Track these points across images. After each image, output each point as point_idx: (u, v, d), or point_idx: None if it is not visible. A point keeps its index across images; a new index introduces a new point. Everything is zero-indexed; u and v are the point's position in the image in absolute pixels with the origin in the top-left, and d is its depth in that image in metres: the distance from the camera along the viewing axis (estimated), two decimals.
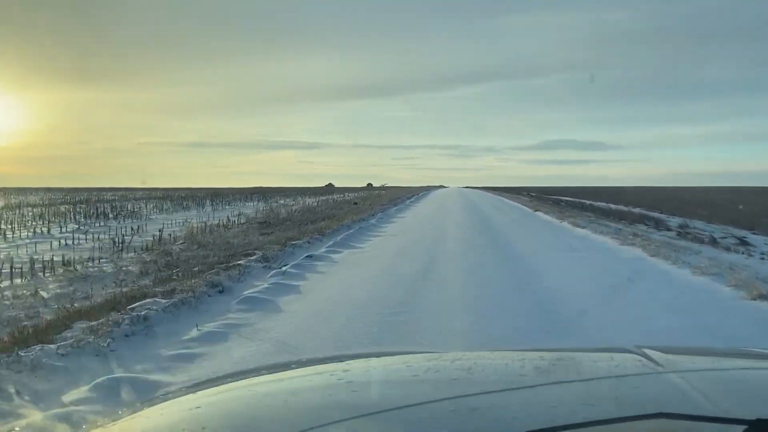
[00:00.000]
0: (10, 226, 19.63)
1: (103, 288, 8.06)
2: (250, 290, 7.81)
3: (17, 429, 3.30)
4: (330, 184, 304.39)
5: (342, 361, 1.50)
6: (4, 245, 14.83)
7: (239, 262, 9.78)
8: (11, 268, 9.50)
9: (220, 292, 7.72)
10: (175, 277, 8.55)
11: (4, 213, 25.60)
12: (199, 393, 1.30)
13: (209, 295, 7.44)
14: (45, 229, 19.04)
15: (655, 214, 24.96)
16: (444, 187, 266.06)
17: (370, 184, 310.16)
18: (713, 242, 14.15)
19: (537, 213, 26.44)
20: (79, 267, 10.22)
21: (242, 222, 19.22)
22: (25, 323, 6.03)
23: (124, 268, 9.97)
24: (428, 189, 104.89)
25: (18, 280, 9.13)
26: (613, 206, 31.10)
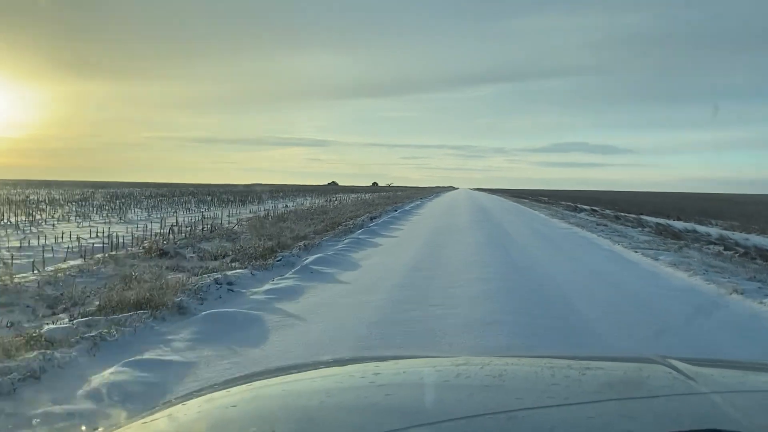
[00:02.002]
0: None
1: None
2: None
3: None
4: (333, 183, 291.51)
5: (371, 363, 1.51)
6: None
7: None
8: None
9: None
10: None
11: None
12: (233, 390, 1.29)
13: None
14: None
15: None
16: (454, 188, 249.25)
17: (375, 183, 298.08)
18: None
19: None
20: None
21: None
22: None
23: None
24: (431, 194, 73.37)
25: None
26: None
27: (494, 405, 1.09)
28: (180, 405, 1.21)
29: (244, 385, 1.33)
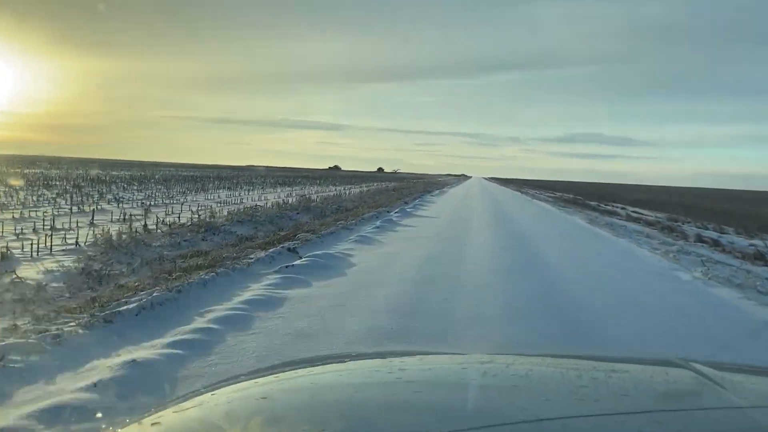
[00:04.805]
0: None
1: None
2: None
3: None
4: (336, 167, 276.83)
5: (396, 358, 1.54)
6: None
7: None
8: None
9: None
10: None
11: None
12: (261, 381, 1.31)
13: None
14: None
15: None
16: (467, 177, 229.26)
17: (380, 169, 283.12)
18: None
19: None
20: None
21: None
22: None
23: None
24: (427, 191, 42.55)
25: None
26: None
27: (525, 406, 1.09)
28: (209, 394, 1.21)
29: (271, 377, 1.34)
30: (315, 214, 21.27)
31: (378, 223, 15.49)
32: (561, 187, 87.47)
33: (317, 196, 29.83)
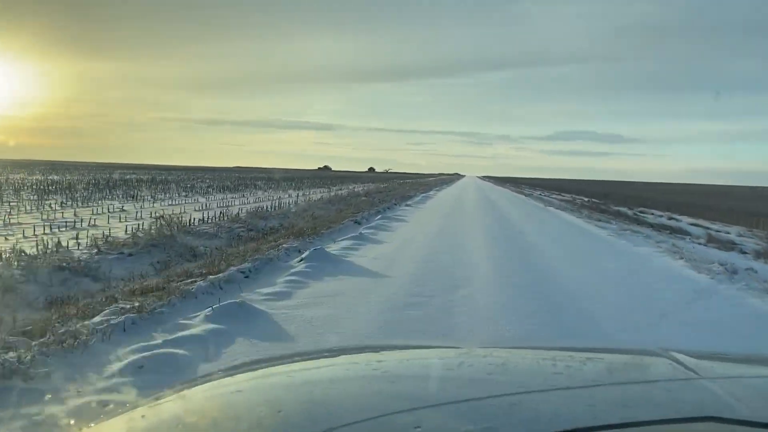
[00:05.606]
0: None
1: None
2: None
3: None
4: (326, 167, 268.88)
5: (375, 352, 1.51)
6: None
7: None
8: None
9: None
10: None
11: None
12: (238, 377, 1.31)
13: None
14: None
15: None
16: (460, 176, 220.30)
17: (371, 169, 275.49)
18: None
19: None
20: None
21: None
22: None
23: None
24: (404, 199, 33.28)
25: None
26: None
27: (498, 391, 1.10)
28: (186, 391, 1.21)
29: (249, 373, 1.33)
30: (171, 255, 11.82)
31: (206, 326, 5.97)
32: (561, 186, 79.33)
33: (239, 210, 20.43)
